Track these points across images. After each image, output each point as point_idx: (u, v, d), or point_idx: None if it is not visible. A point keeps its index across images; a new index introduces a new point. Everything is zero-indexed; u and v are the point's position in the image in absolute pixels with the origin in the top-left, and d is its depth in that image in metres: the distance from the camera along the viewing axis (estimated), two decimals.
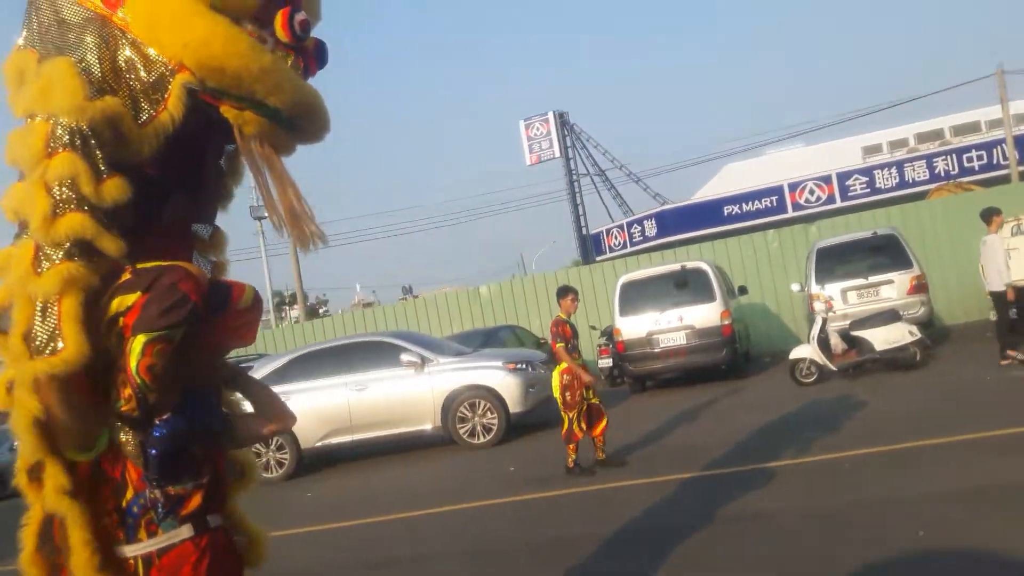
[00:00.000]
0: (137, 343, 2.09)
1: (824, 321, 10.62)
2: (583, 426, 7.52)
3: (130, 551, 2.27)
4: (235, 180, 2.78)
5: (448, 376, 10.34)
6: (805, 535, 4.78)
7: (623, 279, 13.19)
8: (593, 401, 7.64)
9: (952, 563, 3.96)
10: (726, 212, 31.68)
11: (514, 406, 10.16)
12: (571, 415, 7.49)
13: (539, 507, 6.76)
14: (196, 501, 2.27)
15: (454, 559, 5.64)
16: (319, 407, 10.45)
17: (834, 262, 12.44)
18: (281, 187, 2.43)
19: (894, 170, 29.76)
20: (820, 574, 4.09)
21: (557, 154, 40.28)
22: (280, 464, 10.53)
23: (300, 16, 2.27)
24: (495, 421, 10.14)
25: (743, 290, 15.23)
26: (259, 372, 10.92)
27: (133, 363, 2.08)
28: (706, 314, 12.39)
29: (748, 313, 16.17)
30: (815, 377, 10.70)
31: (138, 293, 2.14)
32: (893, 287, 11.91)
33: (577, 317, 9.82)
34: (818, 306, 10.75)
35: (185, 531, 2.26)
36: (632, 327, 12.74)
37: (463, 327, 18.43)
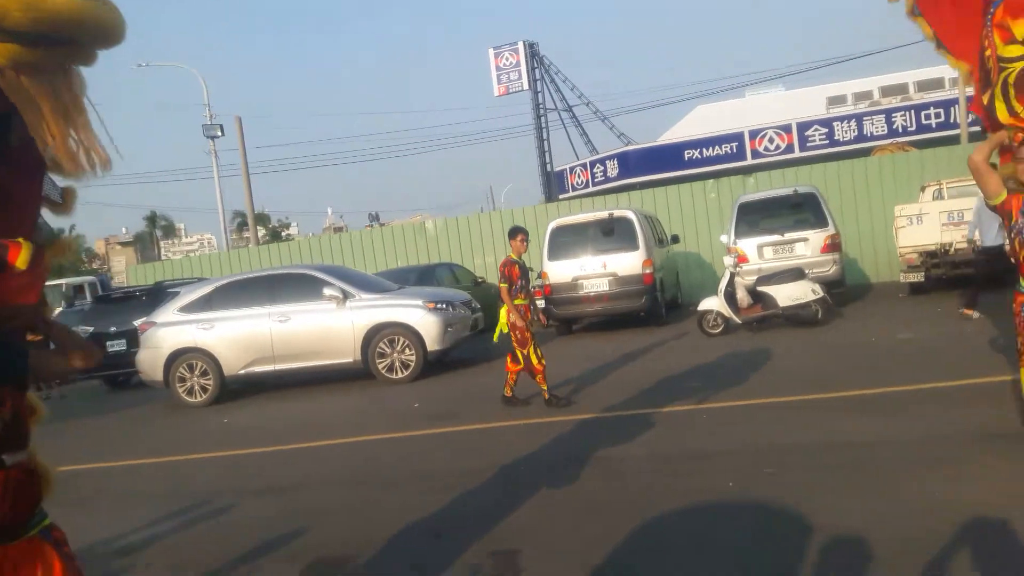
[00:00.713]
0: None
1: (732, 276, 11.09)
2: (542, 359, 7.80)
3: None
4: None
5: (369, 312, 10.70)
6: (634, 478, 5.26)
7: (552, 224, 13.53)
8: None
9: (733, 515, 4.44)
10: (686, 156, 31.86)
11: (432, 344, 10.58)
12: (526, 351, 7.77)
13: (427, 442, 7.22)
14: None
15: (330, 488, 6.08)
16: (242, 336, 10.82)
17: (755, 216, 12.86)
18: (58, 118, 2.21)
19: (853, 123, 30.07)
20: (627, 511, 4.55)
21: (526, 86, 39.95)
22: (204, 390, 10.92)
23: None
24: (413, 358, 10.57)
25: (675, 239, 15.67)
26: (185, 298, 11.24)
27: None
28: (629, 262, 12.81)
29: (682, 261, 16.67)
30: (721, 329, 11.24)
31: None
32: (807, 245, 12.38)
33: (530, 257, 10.23)
34: (727, 260, 11.21)
35: None
36: (559, 271, 13.15)
37: (408, 261, 18.74)
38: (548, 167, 40.52)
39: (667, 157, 32.19)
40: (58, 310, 20.29)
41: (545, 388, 7.83)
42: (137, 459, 8.04)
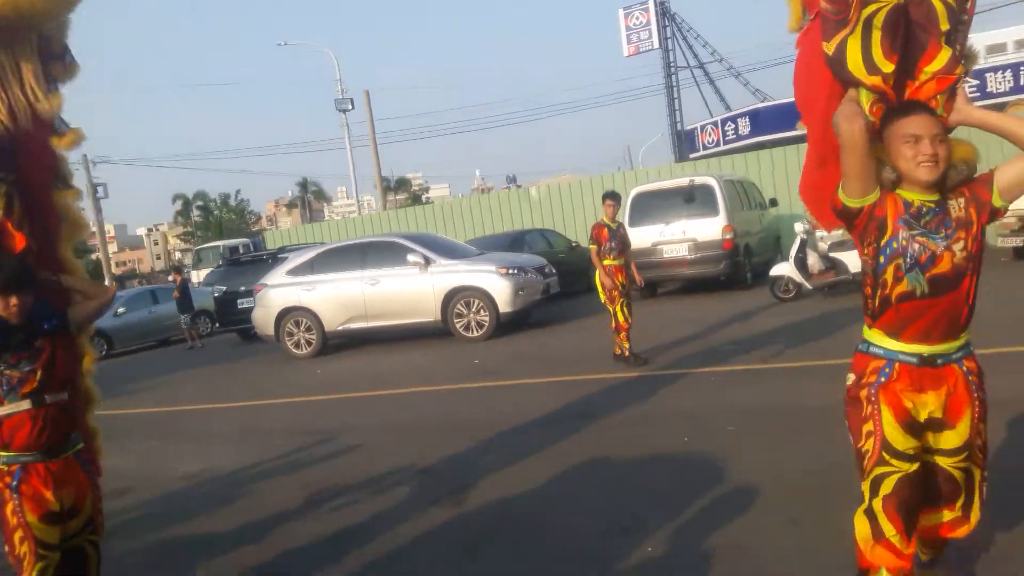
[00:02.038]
0: None
1: (803, 241, 11.08)
2: (628, 317, 8.25)
3: None
4: None
5: (448, 276, 11.64)
6: (629, 430, 5.81)
7: (635, 191, 13.87)
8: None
9: (669, 469, 4.93)
10: None
11: (503, 306, 11.38)
12: (613, 309, 8.26)
13: (477, 394, 8.08)
14: (33, 384, 3.07)
15: (375, 432, 7.02)
16: (339, 296, 12.08)
17: None
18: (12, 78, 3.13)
19: (1008, 73, 27.65)
20: (609, 461, 5.15)
21: (656, 45, 39.30)
22: (308, 343, 12.32)
23: None
24: (486, 318, 11.43)
25: (773, 202, 15.54)
26: (291, 263, 12.66)
27: None
28: (709, 228, 12.99)
29: (785, 225, 16.45)
30: (793, 294, 11.29)
31: None
32: None
33: None
34: (798, 226, 11.19)
35: (24, 405, 3.07)
36: (640, 236, 13.47)
37: (515, 226, 19.58)
38: (678, 126, 39.87)
39: (797, 114, 30.92)
40: (209, 270, 22.79)
41: (627, 346, 8.24)
42: (252, 401, 9.41)
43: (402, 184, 62.39)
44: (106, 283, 34.53)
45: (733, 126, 34.68)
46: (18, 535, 3.02)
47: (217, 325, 17.41)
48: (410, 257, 11.77)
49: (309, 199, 61.37)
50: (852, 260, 10.78)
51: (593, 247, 8.44)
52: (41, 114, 3.44)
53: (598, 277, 8.40)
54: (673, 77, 39.54)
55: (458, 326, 11.57)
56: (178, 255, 70.23)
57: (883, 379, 2.50)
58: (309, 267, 12.48)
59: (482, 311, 11.47)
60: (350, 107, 28.54)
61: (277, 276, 12.68)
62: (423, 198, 61.57)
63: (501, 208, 20.67)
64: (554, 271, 12.69)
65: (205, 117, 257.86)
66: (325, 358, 12.06)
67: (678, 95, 39.86)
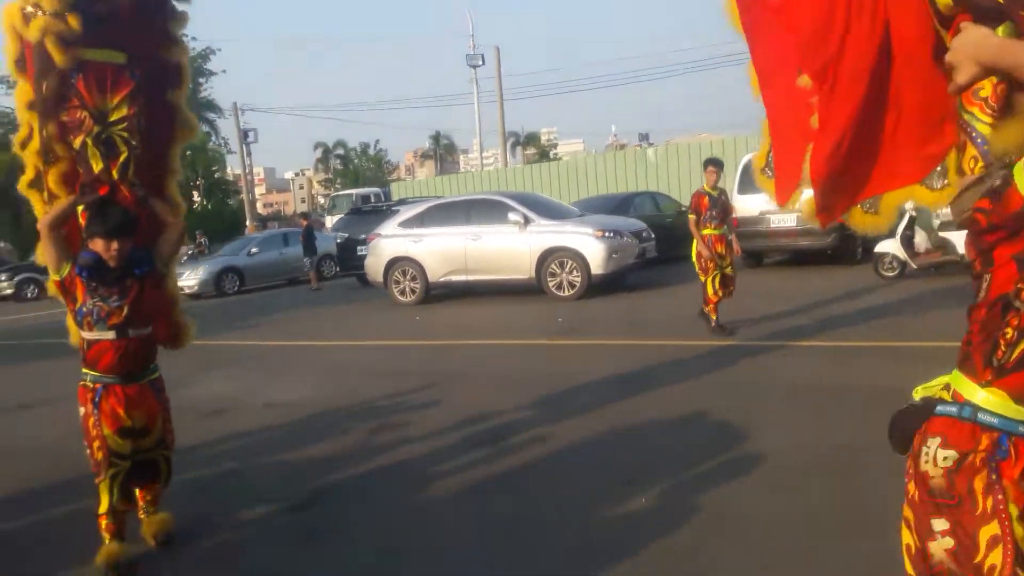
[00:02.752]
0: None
1: (912, 218, 10.63)
2: (719, 290, 8.21)
3: (77, 336, 3.77)
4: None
5: (544, 236, 12.00)
6: (674, 395, 6.04)
7: (745, 158, 13.60)
8: (727, 271, 8.32)
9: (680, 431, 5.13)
10: None
11: (596, 268, 11.64)
12: (706, 279, 8.23)
13: (551, 351, 8.48)
14: (119, 317, 3.59)
15: (444, 377, 7.56)
16: (443, 249, 12.72)
17: None
18: None
19: None
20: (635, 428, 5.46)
21: None
22: (413, 292, 13.07)
23: None
24: (578, 279, 11.74)
25: None
26: (403, 215, 13.45)
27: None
28: None
29: None
30: (896, 272, 10.89)
31: None
32: None
33: None
34: (907, 203, 10.70)
35: (110, 334, 3.59)
36: (747, 205, 13.29)
37: (634, 187, 19.61)
38: None
39: None
40: (339, 216, 24.13)
41: (714, 317, 8.24)
42: (349, 341, 10.26)
43: (531, 139, 62.90)
44: (247, 223, 37.14)
45: None
46: (96, 444, 3.60)
47: (338, 269, 18.59)
48: (511, 216, 12.20)
49: (441, 152, 63.02)
50: (961, 240, 10.26)
51: (692, 216, 8.33)
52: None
53: (695, 246, 8.32)
54: None
55: (551, 285, 11.94)
56: (320, 200, 74.18)
57: (999, 459, 1.58)
58: (419, 220, 13.18)
59: (575, 272, 11.77)
60: (481, 63, 29.10)
61: (389, 227, 13.46)
62: (551, 154, 61.75)
63: (617, 169, 20.71)
64: (652, 236, 12.77)
65: (348, 70, 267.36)
66: (426, 306, 12.78)
67: None
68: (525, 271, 12.15)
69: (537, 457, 4.90)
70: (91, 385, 3.64)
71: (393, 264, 13.18)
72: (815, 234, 12.78)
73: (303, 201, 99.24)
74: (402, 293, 13.17)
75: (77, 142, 3.80)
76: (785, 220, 13.00)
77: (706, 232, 8.24)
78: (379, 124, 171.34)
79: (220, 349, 9.99)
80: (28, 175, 3.92)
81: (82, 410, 3.65)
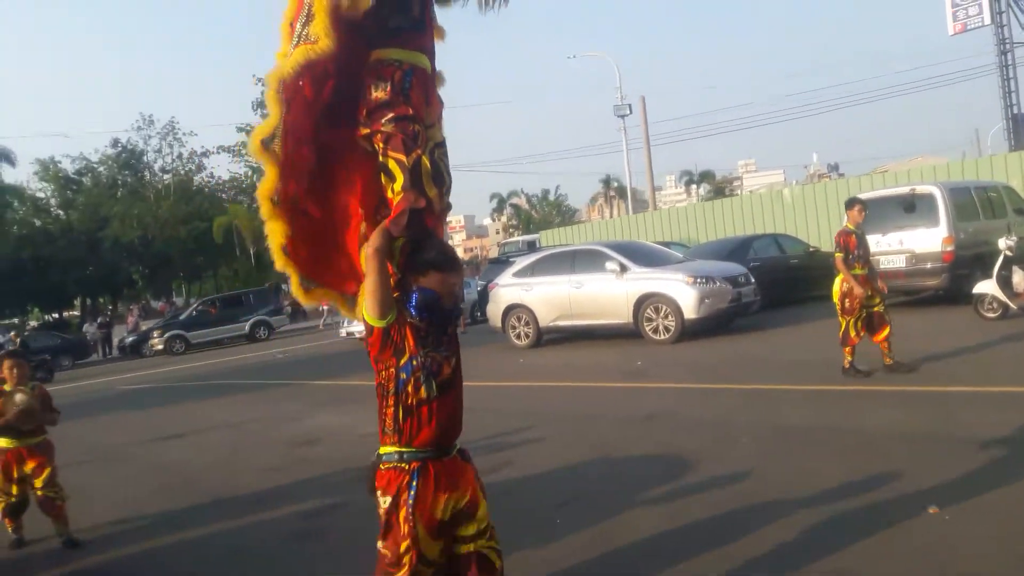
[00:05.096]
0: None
1: (1008, 258, 10.28)
2: (861, 332, 7.98)
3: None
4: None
5: (640, 283, 12.71)
6: (700, 436, 6.68)
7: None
8: (876, 309, 8.04)
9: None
10: None
11: (688, 313, 12.16)
12: (847, 320, 7.98)
13: (616, 393, 9.25)
14: (447, 371, 2.77)
15: (516, 417, 8.48)
16: (550, 296, 13.79)
17: None
18: None
19: None
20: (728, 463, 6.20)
21: (987, 21, 34.96)
22: (527, 336, 14.21)
23: None
24: (672, 323, 12.32)
25: None
26: (517, 266, 14.73)
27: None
28: (927, 240, 12.38)
29: None
30: (999, 313, 10.52)
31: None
32: None
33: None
34: (1002, 242, 10.37)
35: (435, 394, 2.71)
36: None
37: (771, 228, 19.58)
38: (1014, 109, 35.07)
39: None
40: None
41: (849, 359, 8.00)
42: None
43: (705, 177, 62.57)
44: None
45: None
46: (404, 545, 2.69)
47: (479, 314, 20.13)
48: (608, 264, 13.05)
49: (611, 194, 64.31)
50: None
51: (839, 254, 8.05)
52: None
53: (838, 284, 8.08)
54: (1007, 56, 34.85)
55: (647, 329, 12.60)
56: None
57: None
58: (530, 270, 14.38)
59: (669, 316, 12.37)
60: (628, 112, 30.12)
61: (506, 277, 14.75)
62: (726, 190, 60.96)
63: (753, 209, 20.75)
64: (751, 280, 13.05)
65: (519, 125, 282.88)
66: (539, 349, 13.84)
67: (1014, 74, 35.07)
68: (624, 316, 12.90)
69: (544, 482, 5.82)
70: (406, 467, 2.75)
71: (509, 311, 14.41)
72: (925, 275, 12.52)
73: (497, 245, 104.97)
74: (518, 337, 14.34)
75: (410, 159, 2.89)
76: (893, 261, 12.82)
77: (855, 272, 8.02)
78: (558, 174, 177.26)
79: (351, 388, 11.63)
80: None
81: (386, 501, 2.74)
